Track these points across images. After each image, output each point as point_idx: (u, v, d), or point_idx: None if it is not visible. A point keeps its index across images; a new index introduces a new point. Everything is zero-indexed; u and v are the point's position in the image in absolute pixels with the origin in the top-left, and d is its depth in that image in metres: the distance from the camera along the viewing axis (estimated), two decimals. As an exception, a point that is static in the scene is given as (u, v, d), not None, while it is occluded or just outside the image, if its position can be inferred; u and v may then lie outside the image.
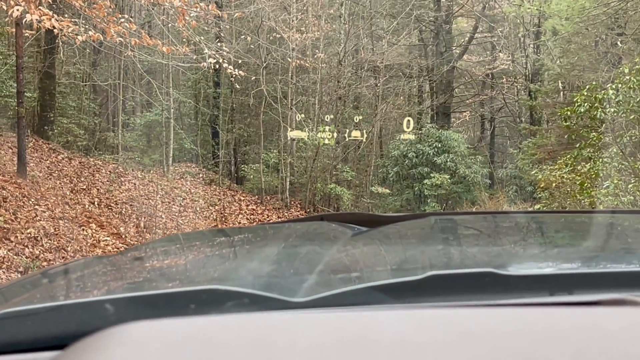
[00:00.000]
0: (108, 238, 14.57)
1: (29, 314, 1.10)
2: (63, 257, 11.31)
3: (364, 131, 23.31)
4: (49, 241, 11.69)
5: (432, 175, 22.83)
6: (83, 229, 14.37)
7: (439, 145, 23.80)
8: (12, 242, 10.54)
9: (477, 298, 1.05)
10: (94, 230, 14.57)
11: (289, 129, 21.81)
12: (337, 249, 1.57)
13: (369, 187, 23.33)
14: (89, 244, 13.09)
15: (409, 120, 23.68)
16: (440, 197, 23.05)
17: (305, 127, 23.50)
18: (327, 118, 22.75)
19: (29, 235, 11.30)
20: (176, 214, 19.34)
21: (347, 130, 23.05)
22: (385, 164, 24.89)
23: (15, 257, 9.88)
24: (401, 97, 27.27)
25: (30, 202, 13.79)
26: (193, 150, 24.12)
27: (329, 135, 21.99)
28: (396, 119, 27.04)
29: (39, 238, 11.43)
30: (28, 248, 10.67)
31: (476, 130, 35.37)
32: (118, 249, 14.39)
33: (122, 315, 1.03)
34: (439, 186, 22.69)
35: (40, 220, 12.84)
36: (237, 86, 22.41)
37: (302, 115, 22.88)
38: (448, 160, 23.48)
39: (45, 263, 10.38)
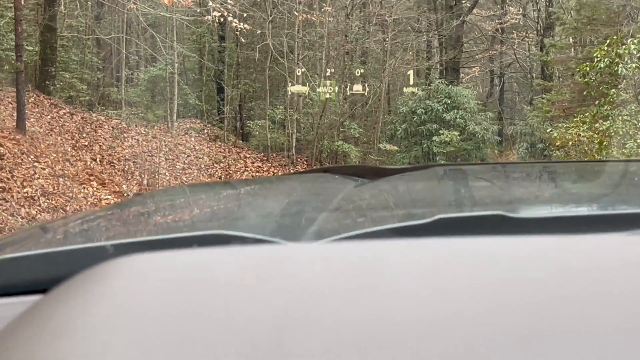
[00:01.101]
0: (110, 196, 14.07)
1: (21, 258, 1.08)
2: (61, 218, 10.82)
3: (366, 85, 22.62)
4: (47, 200, 11.19)
5: (441, 132, 22.21)
6: (84, 187, 13.87)
7: (449, 101, 23.14)
8: (7, 202, 10.04)
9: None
10: (95, 189, 14.07)
11: (290, 84, 21.14)
12: (342, 197, 1.55)
13: (377, 144, 22.74)
14: (89, 203, 12.59)
15: (409, 75, 22.89)
16: (449, 154, 22.43)
17: (309, 82, 22.84)
18: (328, 72, 22.06)
19: (26, 194, 10.80)
20: (180, 171, 18.82)
21: (349, 85, 22.36)
22: (394, 120, 24.25)
23: (9, 218, 9.40)
24: (410, 53, 26.52)
25: (29, 160, 13.27)
26: (198, 106, 23.50)
27: (330, 89, 21.30)
28: (404, 75, 26.32)
29: (36, 197, 10.93)
30: (24, 208, 10.17)
31: (485, 86, 34.64)
32: (120, 207, 13.93)
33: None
34: (448, 143, 22.08)
35: (39, 178, 12.33)
36: (243, 40, 21.75)
37: (303, 70, 22.21)
38: (457, 116, 22.84)
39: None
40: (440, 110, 22.86)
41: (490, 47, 30.39)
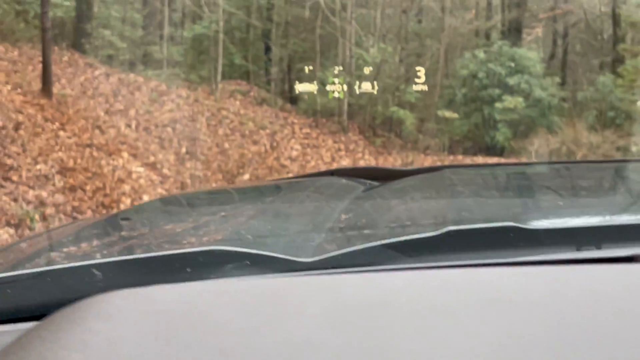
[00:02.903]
0: (141, 169, 12.42)
1: (7, 281, 1.01)
2: (78, 200, 9.19)
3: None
4: (63, 179, 9.56)
5: (504, 98, 20.08)
6: (113, 159, 12.22)
7: (512, 64, 20.98)
8: (13, 182, 8.44)
9: (499, 255, 0.95)
10: (125, 160, 12.42)
11: (298, 84, 18.96)
12: (347, 205, 1.46)
13: (435, 111, 20.69)
14: (115, 179, 10.95)
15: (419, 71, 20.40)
16: (513, 122, 20.32)
17: (361, 42, 20.83)
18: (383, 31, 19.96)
19: (38, 172, 9.18)
20: (223, 138, 17.10)
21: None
22: (452, 84, 22.13)
23: (11, 203, 7.80)
24: (473, 11, 24.21)
25: (52, 128, 11.65)
26: (244, 66, 21.67)
27: (339, 88, 19.26)
28: (464, 36, 24.11)
29: (50, 176, 9.30)
30: (34, 190, 8.57)
31: (546, 48, 32.02)
32: (152, 181, 12.27)
33: (111, 281, 0.94)
34: (511, 110, 19.97)
35: (60, 150, 10.71)
36: (292, -4, 19.86)
37: (356, 28, 20.15)
38: (522, 81, 20.67)
39: (49, 210, 8.28)
40: (504, 74, 20.72)
41: (555, 5, 27.84)
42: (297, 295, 0.79)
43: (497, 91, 20.62)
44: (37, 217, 7.84)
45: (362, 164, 18.18)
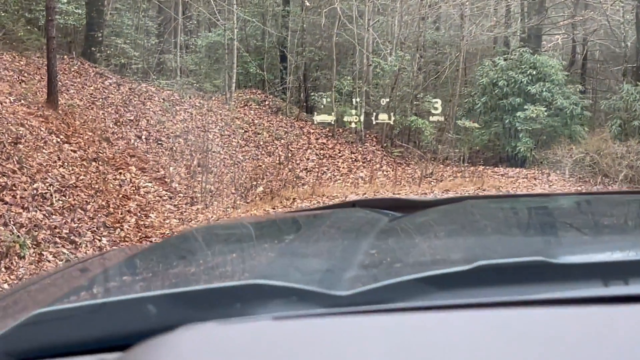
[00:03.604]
0: (149, 184, 11.63)
1: (68, 313, 1.01)
2: (78, 221, 8.38)
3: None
4: (63, 197, 8.76)
5: (525, 107, 19.15)
6: (120, 173, 11.45)
7: (534, 72, 20.04)
8: (5, 203, 7.63)
9: (528, 290, 0.93)
10: (133, 175, 11.63)
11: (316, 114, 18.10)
12: (375, 238, 1.44)
13: (454, 120, 19.79)
14: (120, 196, 10.16)
15: (436, 102, 19.57)
16: (535, 131, 19.37)
17: (383, 51, 19.99)
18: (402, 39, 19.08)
19: (35, 192, 8.38)
20: (236, 149, 16.30)
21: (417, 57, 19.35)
22: (472, 93, 21.22)
23: (0, 228, 7.00)
24: (494, 18, 23.28)
25: (56, 141, 10.88)
26: (259, 75, 20.89)
27: (356, 119, 18.54)
28: (484, 43, 23.23)
29: (47, 195, 8.50)
30: (27, 212, 7.77)
31: (565, 55, 31.04)
32: (160, 197, 11.46)
33: (164, 314, 0.95)
34: (533, 119, 19.03)
35: (62, 166, 9.93)
36: (308, 4, 19.10)
37: (374, 36, 19.30)
38: (544, 89, 19.72)
39: (43, 234, 7.46)
40: (525, 82, 19.78)
41: (575, 11, 26.88)
42: (333, 333, 0.84)
43: (518, 100, 19.69)
44: (28, 242, 7.04)
45: (379, 174, 17.34)
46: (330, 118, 18.38)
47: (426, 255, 1.35)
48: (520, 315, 0.86)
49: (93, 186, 9.75)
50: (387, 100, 18.81)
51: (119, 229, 8.71)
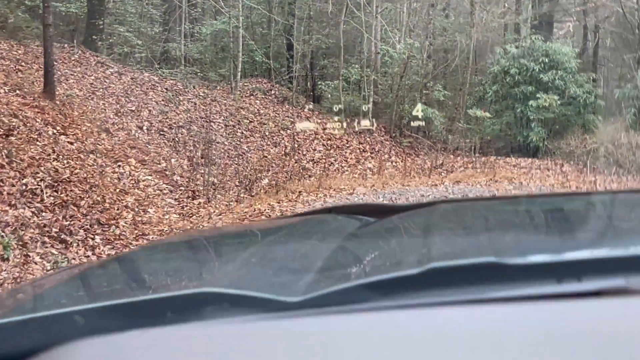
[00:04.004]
0: (149, 177, 11.07)
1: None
2: (70, 218, 7.83)
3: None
4: (55, 193, 8.21)
5: (538, 95, 18.51)
6: (119, 166, 10.89)
7: (546, 60, 19.37)
8: (-8, 200, 7.09)
9: (480, 290, 0.93)
10: (132, 167, 11.08)
11: (298, 121, 17.25)
12: (339, 244, 1.43)
13: (464, 109, 19.15)
14: (117, 190, 9.60)
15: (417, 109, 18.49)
16: (547, 121, 18.72)
17: (387, 38, 19.33)
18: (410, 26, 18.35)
19: (24, 187, 7.83)
20: (241, 140, 15.72)
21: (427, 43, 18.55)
22: (482, 81, 20.57)
23: (-18, 228, 6.46)
24: (504, 5, 22.59)
25: (51, 133, 10.33)
26: (265, 63, 20.28)
27: (338, 125, 17.60)
28: (494, 30, 22.54)
29: (38, 191, 7.95)
30: (14, 209, 7.22)
31: (576, 42, 30.31)
32: (160, 191, 10.91)
33: (93, 328, 0.91)
34: (546, 108, 18.38)
35: (57, 159, 9.38)
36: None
37: (382, 24, 18.61)
38: (556, 77, 19.07)
39: (31, 233, 6.90)
40: (537, 70, 19.13)
41: (587, -2, 26.16)
42: (278, 337, 0.80)
43: (530, 88, 19.04)
44: (13, 243, 6.50)
45: (388, 165, 16.74)
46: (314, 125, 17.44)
47: (384, 259, 1.34)
48: (468, 312, 0.84)
49: (88, 180, 9.19)
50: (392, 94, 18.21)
51: (114, 226, 8.15)
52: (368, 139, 17.65)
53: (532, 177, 15.90)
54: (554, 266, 1.02)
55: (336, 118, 17.38)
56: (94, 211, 8.27)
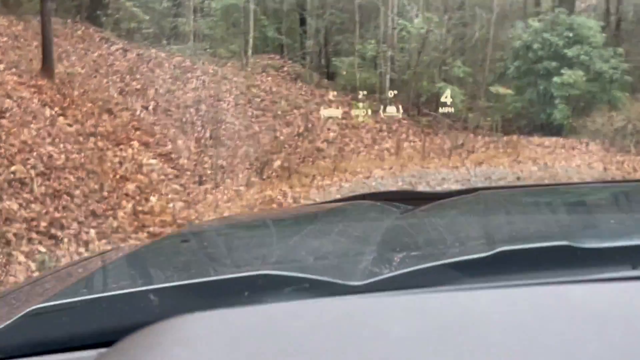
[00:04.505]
0: (153, 161, 10.31)
1: (65, 308, 0.96)
2: (62, 209, 7.08)
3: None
4: (47, 182, 7.45)
5: (562, 71, 17.55)
6: (120, 149, 10.14)
7: (570, 34, 18.37)
8: (-29, 192, 6.34)
9: (553, 275, 0.88)
10: (135, 151, 10.31)
11: (323, 107, 16.06)
12: (388, 228, 1.37)
13: (484, 86, 18.21)
14: (117, 177, 8.83)
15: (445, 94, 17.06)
16: (572, 98, 17.76)
17: (405, 12, 18.38)
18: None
19: (12, 177, 7.07)
20: (252, 119, 14.91)
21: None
22: (503, 57, 19.60)
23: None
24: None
25: (48, 114, 9.57)
26: (277, 39, 19.40)
27: (363, 112, 16.37)
28: (515, 3, 21.53)
29: (27, 180, 7.19)
30: (1, 201, 6.48)
31: (598, 16, 29.11)
32: (165, 176, 10.15)
33: (170, 306, 0.90)
34: (570, 85, 17.42)
35: (52, 143, 8.64)
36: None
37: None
38: (582, 52, 18.08)
39: (16, 228, 6.16)
40: (561, 45, 18.15)
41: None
42: (342, 318, 0.79)
43: (553, 64, 18.07)
44: (-6, 241, 5.78)
45: (406, 145, 15.89)
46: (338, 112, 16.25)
47: (444, 243, 1.24)
48: (542, 292, 0.82)
49: (86, 166, 8.44)
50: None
51: (111, 217, 7.39)
52: (384, 117, 16.79)
53: (556, 158, 15.05)
54: (628, 250, 0.95)
55: (360, 105, 16.47)
56: (89, 201, 7.52)
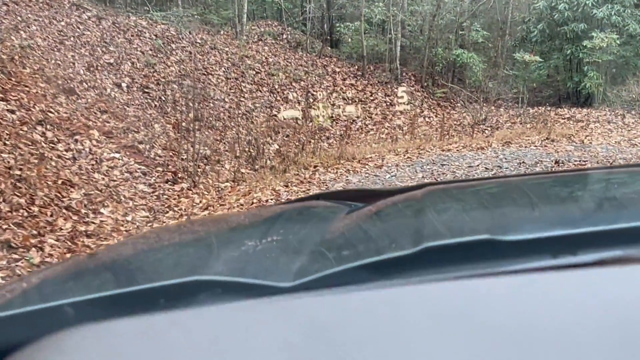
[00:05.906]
0: (116, 155, 8.08)
1: None
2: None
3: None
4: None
5: (592, 34, 15.15)
6: (75, 141, 7.92)
7: (600, -8, 15.94)
8: None
9: (476, 268, 0.90)
10: (93, 143, 8.08)
11: (282, 108, 13.36)
12: (329, 228, 1.34)
13: (505, 52, 15.83)
14: (59, 183, 6.61)
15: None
16: (603, 64, 15.39)
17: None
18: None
19: None
20: (246, 95, 12.63)
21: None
22: (526, 19, 17.16)
23: None
24: None
25: (-19, 99, 7.35)
26: (275, 4, 17.00)
27: (324, 112, 13.66)
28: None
29: None
30: None
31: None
32: (130, 174, 7.93)
33: (84, 320, 0.86)
34: (603, 49, 15.03)
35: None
36: None
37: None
38: (613, 12, 15.65)
39: None
40: (589, 4, 15.72)
41: None
42: (272, 319, 0.78)
43: (581, 26, 15.68)
44: None
45: (420, 121, 13.64)
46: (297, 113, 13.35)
47: (376, 241, 1.22)
48: (464, 286, 0.82)
49: (15, 169, 6.23)
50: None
51: (34, 248, 5.20)
52: (395, 90, 14.48)
53: (592, 133, 12.78)
54: (548, 241, 0.97)
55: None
56: (5, 225, 5.31)
